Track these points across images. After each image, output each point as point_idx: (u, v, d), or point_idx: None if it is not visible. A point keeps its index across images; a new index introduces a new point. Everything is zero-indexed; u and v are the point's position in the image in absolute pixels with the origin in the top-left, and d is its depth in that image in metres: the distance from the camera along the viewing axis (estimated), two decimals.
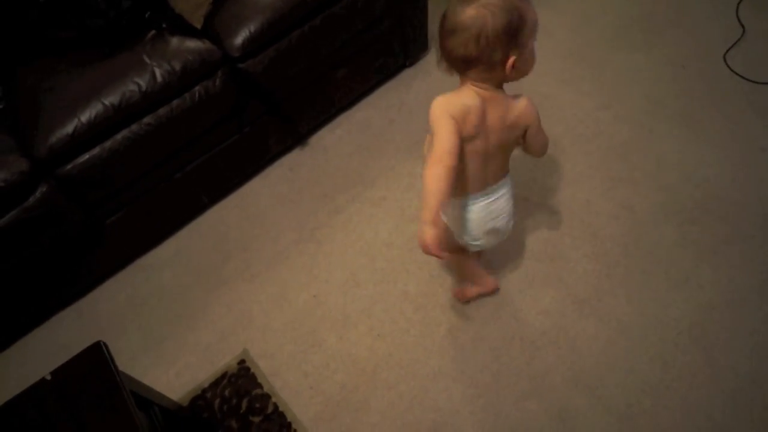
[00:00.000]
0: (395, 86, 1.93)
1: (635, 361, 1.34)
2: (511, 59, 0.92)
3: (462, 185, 1.09)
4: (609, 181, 1.64)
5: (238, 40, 1.46)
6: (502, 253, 1.53)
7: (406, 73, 1.96)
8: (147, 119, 1.40)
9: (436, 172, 0.93)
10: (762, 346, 1.33)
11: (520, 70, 0.96)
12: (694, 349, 1.35)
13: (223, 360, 1.47)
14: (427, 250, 0.92)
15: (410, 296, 1.49)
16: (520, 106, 1.02)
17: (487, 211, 1.14)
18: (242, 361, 1.45)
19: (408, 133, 1.81)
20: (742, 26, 1.91)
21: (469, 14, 0.90)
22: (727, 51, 1.86)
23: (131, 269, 1.68)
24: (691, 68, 1.86)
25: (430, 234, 0.91)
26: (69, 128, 1.32)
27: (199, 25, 1.47)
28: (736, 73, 1.80)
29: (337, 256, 1.60)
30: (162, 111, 1.41)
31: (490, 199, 1.13)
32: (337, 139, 1.83)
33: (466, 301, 1.46)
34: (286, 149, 1.81)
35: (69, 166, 1.35)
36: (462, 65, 0.97)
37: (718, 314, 1.39)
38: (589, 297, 1.45)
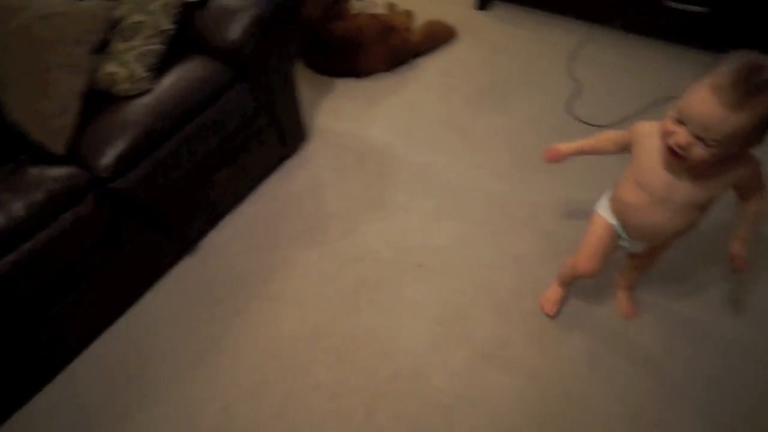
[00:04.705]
0: (279, 178, 1.97)
1: (548, 402, 1.39)
2: None
3: None
4: (492, 234, 1.75)
5: (107, 160, 1.44)
6: (404, 327, 1.56)
7: (289, 164, 2.01)
8: (11, 257, 1.31)
9: None
10: (642, 353, 1.43)
11: None
12: (596, 378, 1.42)
13: None
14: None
15: (322, 386, 1.46)
16: None
17: None
18: None
19: (297, 222, 1.84)
20: (576, 81, 2.18)
21: None
22: (569, 102, 2.11)
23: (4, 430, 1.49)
24: (544, 121, 2.07)
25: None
26: None
27: (61, 151, 1.44)
28: (581, 121, 2.04)
29: (242, 361, 1.53)
30: (27, 246, 1.33)
31: None
32: (227, 240, 1.81)
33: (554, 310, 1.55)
34: (176, 259, 1.76)
35: None
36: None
37: (608, 339, 1.48)
38: (494, 350, 1.49)
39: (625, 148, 1.20)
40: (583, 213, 1.76)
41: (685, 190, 1.07)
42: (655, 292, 1.57)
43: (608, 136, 1.27)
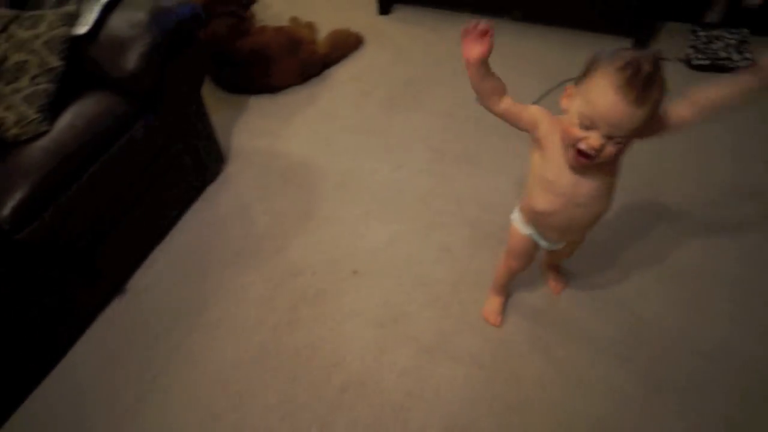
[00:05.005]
0: (203, 204, 1.92)
1: (496, 385, 1.43)
2: None
3: None
4: (422, 230, 1.79)
5: (5, 211, 1.35)
6: (347, 335, 1.56)
7: (211, 189, 1.96)
8: None
9: None
10: (566, 317, 1.52)
11: None
12: (536, 356, 1.48)
13: None
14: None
15: (273, 408, 1.43)
16: None
17: None
18: None
19: (227, 247, 1.80)
20: None
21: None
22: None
23: None
24: (458, 115, 2.14)
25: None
26: None
27: None
28: None
29: (187, 397, 1.48)
30: None
31: None
32: (157, 275, 1.74)
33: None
34: (103, 304, 1.67)
35: None
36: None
37: (542, 317, 1.56)
38: (438, 343, 1.52)
39: (522, 126, 1.15)
40: (504, 198, 1.84)
41: (591, 184, 1.11)
42: (582, 268, 1.66)
43: (517, 108, 1.14)
